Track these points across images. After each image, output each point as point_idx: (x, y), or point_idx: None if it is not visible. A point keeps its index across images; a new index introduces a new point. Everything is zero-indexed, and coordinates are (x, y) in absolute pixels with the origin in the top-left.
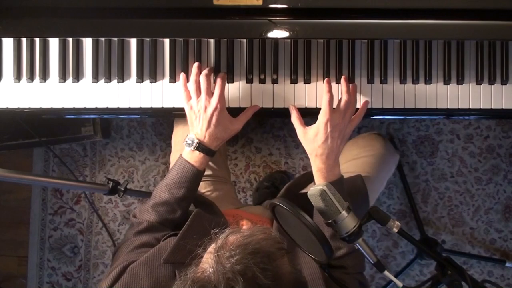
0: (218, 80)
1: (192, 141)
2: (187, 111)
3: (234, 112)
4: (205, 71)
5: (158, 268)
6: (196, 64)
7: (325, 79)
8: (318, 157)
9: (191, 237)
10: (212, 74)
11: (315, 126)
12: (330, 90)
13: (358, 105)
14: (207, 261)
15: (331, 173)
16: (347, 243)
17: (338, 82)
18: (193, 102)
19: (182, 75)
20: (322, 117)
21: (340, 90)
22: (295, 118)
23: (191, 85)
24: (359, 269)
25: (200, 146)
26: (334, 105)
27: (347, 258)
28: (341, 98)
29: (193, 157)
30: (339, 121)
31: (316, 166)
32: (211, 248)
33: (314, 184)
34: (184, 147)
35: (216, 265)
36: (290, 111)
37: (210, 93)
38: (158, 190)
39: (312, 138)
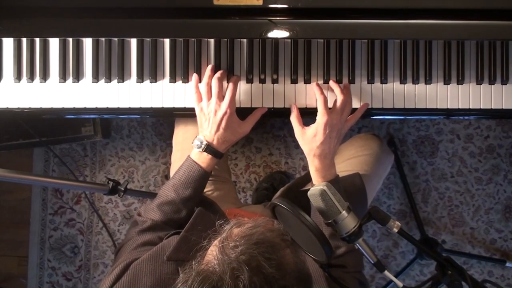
0: (230, 84)
1: (201, 143)
2: (197, 112)
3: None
4: (217, 74)
5: (162, 265)
6: (209, 67)
7: (314, 84)
8: (316, 157)
9: (193, 235)
10: (226, 77)
11: (314, 127)
12: (322, 92)
13: (355, 104)
14: (212, 253)
15: (329, 173)
16: (347, 243)
17: (339, 82)
18: (203, 104)
19: (194, 76)
20: (321, 118)
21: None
22: (294, 117)
23: (203, 87)
24: (359, 268)
25: (209, 148)
26: (330, 105)
27: (346, 256)
28: (337, 99)
29: (201, 158)
30: (337, 122)
31: (314, 166)
32: (217, 241)
33: (313, 184)
34: (183, 147)
35: (221, 255)
36: (291, 110)
37: (221, 97)
38: (164, 190)
39: (310, 139)
